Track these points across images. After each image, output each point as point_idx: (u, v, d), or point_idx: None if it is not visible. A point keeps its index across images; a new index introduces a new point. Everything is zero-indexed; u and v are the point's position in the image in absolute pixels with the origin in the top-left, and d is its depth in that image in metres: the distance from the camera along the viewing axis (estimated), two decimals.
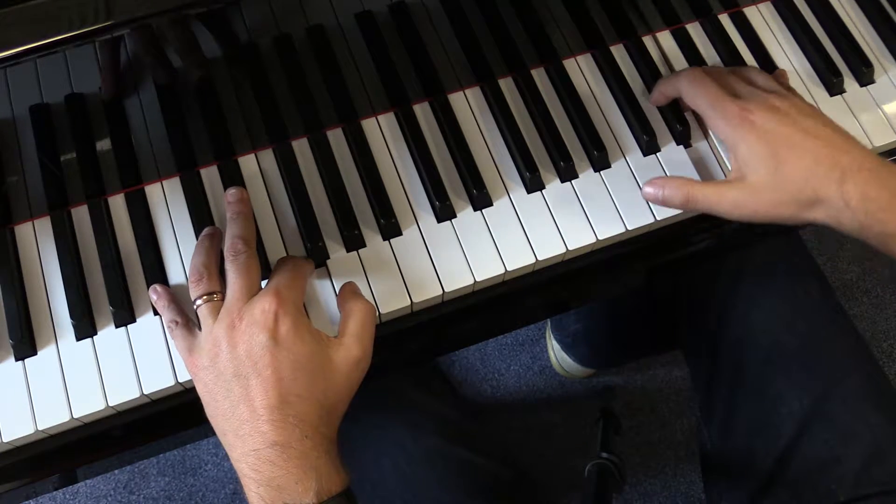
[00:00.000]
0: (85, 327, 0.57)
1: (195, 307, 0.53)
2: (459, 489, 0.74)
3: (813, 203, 0.54)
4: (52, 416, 0.55)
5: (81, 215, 0.60)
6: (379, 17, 0.60)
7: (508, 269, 0.60)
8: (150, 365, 0.56)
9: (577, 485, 0.88)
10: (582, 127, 0.64)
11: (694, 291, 0.80)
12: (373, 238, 0.61)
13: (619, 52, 0.68)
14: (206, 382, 0.50)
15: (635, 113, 0.65)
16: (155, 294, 0.57)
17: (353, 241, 0.60)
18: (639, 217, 0.61)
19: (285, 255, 0.60)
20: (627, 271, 0.65)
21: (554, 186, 0.63)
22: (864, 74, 0.68)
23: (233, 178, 0.62)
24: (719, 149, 0.64)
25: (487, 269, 0.60)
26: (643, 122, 0.64)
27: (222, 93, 0.58)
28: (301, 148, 0.63)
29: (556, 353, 1.28)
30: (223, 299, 0.52)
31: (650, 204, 0.62)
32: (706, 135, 0.65)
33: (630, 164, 0.64)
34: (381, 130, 0.64)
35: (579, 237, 0.61)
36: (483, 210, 0.62)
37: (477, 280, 0.59)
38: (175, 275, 0.59)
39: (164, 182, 0.62)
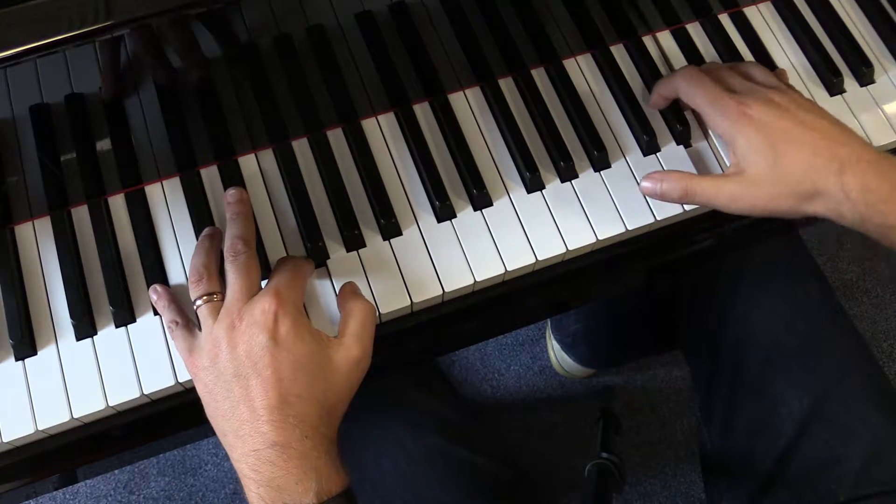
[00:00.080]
0: (85, 327, 0.57)
1: (195, 307, 0.53)
2: (459, 489, 0.74)
3: (812, 195, 0.54)
4: (52, 416, 0.55)
5: (81, 215, 0.60)
6: (379, 17, 0.60)
7: (508, 268, 0.60)
8: (150, 365, 0.56)
9: (577, 485, 0.88)
10: (582, 127, 0.64)
11: (694, 291, 0.80)
12: (373, 238, 0.61)
13: (619, 52, 0.68)
14: (207, 383, 0.50)
15: (635, 113, 0.65)
16: (155, 294, 0.57)
17: (353, 241, 0.60)
18: (639, 217, 0.61)
19: (285, 255, 0.60)
20: (627, 271, 0.65)
21: (554, 186, 0.63)
22: (864, 74, 0.68)
23: (233, 178, 0.62)
24: (719, 147, 0.64)
25: (487, 268, 0.60)
26: (643, 122, 0.64)
27: (222, 93, 0.58)
28: (301, 148, 0.63)
29: (556, 353, 1.28)
30: (223, 300, 0.52)
31: (650, 204, 0.62)
32: (706, 135, 0.65)
33: (630, 163, 0.64)
34: (381, 130, 0.64)
35: (579, 237, 0.61)
36: (483, 210, 0.62)
37: (477, 280, 0.59)
38: (175, 275, 0.59)
39: (164, 182, 0.62)
